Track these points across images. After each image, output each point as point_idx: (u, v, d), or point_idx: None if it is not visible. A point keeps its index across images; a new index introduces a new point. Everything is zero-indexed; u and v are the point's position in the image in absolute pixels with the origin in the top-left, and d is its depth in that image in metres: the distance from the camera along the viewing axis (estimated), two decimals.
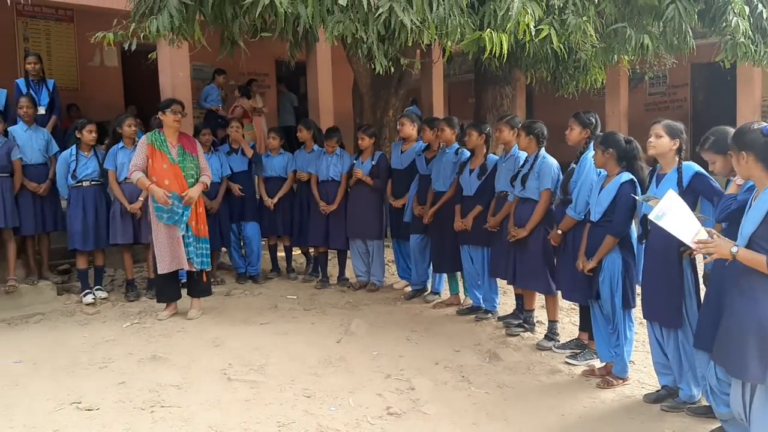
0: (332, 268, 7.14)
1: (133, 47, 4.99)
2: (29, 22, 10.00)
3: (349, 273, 7.01)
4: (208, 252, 5.79)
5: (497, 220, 5.40)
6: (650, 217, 3.29)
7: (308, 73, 10.53)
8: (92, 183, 6.20)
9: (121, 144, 6.29)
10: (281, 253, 7.41)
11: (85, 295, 6.20)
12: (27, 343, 5.15)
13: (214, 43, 5.56)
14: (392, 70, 5.47)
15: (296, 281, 7.12)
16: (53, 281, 6.46)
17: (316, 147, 6.97)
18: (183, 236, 5.56)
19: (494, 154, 5.89)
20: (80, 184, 6.15)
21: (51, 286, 6.34)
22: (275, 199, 7.01)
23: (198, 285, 5.81)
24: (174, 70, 8.44)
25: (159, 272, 5.63)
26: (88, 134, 6.18)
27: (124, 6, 5.35)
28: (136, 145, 6.12)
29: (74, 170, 6.11)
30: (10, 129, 6.14)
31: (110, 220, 6.22)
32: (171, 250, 5.56)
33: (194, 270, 5.69)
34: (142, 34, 4.86)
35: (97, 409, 3.92)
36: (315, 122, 7.78)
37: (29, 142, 6.20)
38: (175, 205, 5.51)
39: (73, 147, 6.20)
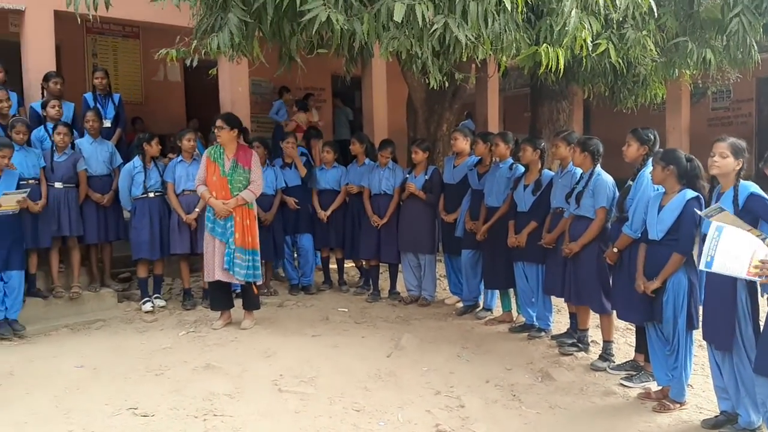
0: (384, 281, 7.16)
1: (195, 63, 5.15)
2: (98, 39, 10.40)
3: (400, 287, 7.02)
4: (256, 264, 5.82)
5: (553, 237, 5.32)
6: (700, 267, 3.24)
7: (363, 88, 10.64)
8: (156, 194, 6.39)
9: (180, 157, 6.49)
10: (333, 266, 7.48)
11: (144, 303, 6.38)
12: (88, 348, 5.33)
13: (272, 59, 5.69)
14: (446, 84, 5.48)
15: (348, 294, 7.15)
16: (114, 289, 6.67)
17: (367, 160, 7.03)
18: (239, 254, 5.66)
19: (550, 169, 5.82)
20: (146, 195, 6.34)
21: (112, 293, 6.54)
22: (328, 212, 7.08)
23: (247, 297, 5.89)
24: (233, 85, 8.67)
25: (205, 280, 5.89)
26: (156, 146, 6.41)
27: (187, 23, 5.52)
28: (194, 159, 6.36)
29: (143, 181, 6.31)
30: (76, 141, 6.39)
31: (170, 230, 6.38)
32: (214, 261, 5.72)
33: (239, 282, 5.77)
34: (204, 50, 5.01)
35: (152, 415, 4.02)
36: (368, 136, 7.83)
37: (94, 154, 6.44)
38: (215, 214, 5.69)
39: (136, 159, 6.41)
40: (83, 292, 6.31)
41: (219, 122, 5.75)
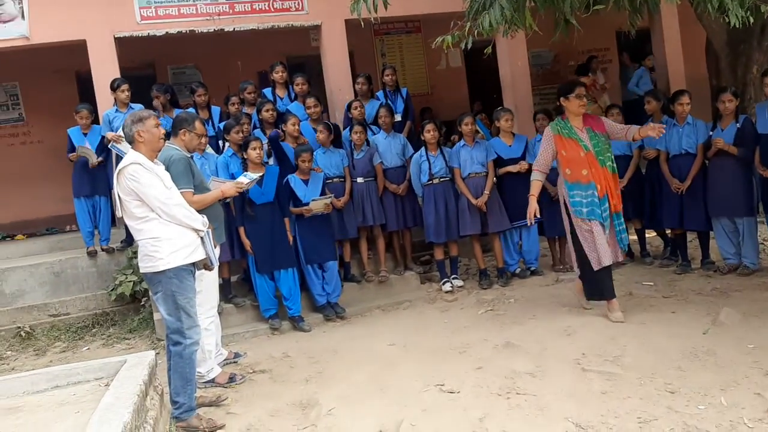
0: (693, 250, 6.48)
1: (470, 45, 5.16)
2: (385, 39, 11.20)
3: (714, 255, 6.28)
4: (624, 228, 5.26)
5: None
6: None
7: (653, 40, 9.80)
8: (441, 180, 6.61)
9: (462, 142, 6.63)
10: (633, 236, 6.98)
11: (443, 284, 6.69)
12: (398, 327, 5.74)
13: (548, 26, 5.47)
14: (752, 20, 4.74)
15: (652, 266, 6.63)
16: (416, 271, 7.08)
17: (665, 118, 6.40)
18: (613, 223, 5.15)
19: None
20: (431, 181, 6.60)
21: (415, 275, 6.96)
22: (624, 180, 6.60)
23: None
24: (512, 60, 8.61)
25: (595, 269, 5.13)
26: (428, 133, 6.58)
27: (462, 7, 5.58)
28: (476, 142, 6.49)
29: (429, 169, 6.57)
30: (371, 137, 6.89)
31: (459, 213, 6.56)
32: (596, 246, 5.10)
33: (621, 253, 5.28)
34: (476, 31, 5.01)
35: (458, 392, 4.15)
36: (663, 92, 7.14)
37: (388, 147, 6.87)
38: (589, 195, 5.09)
39: (422, 149, 6.68)
40: (390, 275, 6.79)
41: (583, 91, 5.23)
